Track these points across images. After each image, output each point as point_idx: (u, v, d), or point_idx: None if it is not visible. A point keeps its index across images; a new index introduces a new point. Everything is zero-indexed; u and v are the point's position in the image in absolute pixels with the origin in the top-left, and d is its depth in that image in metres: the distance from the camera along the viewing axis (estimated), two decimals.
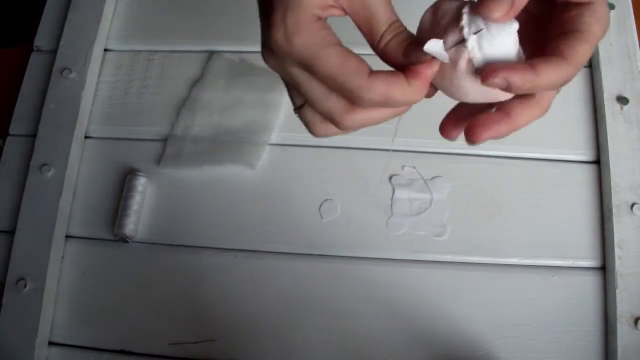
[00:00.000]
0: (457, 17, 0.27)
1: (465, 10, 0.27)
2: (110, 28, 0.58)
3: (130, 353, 0.47)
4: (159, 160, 0.52)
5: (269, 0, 0.28)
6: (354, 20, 0.28)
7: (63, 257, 0.49)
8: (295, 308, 0.47)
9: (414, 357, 0.46)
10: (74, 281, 0.49)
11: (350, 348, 0.46)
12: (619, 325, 0.44)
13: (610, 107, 0.51)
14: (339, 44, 0.28)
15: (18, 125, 0.54)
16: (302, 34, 0.27)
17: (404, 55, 0.27)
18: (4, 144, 0.53)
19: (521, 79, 0.26)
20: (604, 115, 0.51)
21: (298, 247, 0.49)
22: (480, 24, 0.26)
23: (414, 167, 0.51)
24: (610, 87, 0.51)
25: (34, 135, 0.52)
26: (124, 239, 0.49)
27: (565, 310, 0.46)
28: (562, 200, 0.49)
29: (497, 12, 0.26)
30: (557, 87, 0.28)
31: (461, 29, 0.26)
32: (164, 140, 0.53)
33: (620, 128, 0.50)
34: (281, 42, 0.28)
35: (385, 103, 0.28)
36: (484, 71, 0.26)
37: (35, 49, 0.57)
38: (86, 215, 0.51)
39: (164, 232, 0.50)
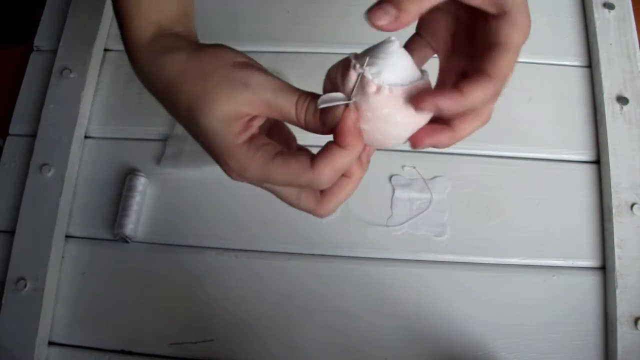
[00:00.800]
0: (347, 65, 0.28)
1: (351, 55, 0.28)
2: (110, 28, 0.58)
3: (130, 353, 0.47)
4: (159, 160, 0.52)
5: (204, 144, 0.31)
6: (274, 118, 0.31)
7: (63, 257, 0.49)
8: (296, 308, 0.47)
9: (414, 357, 0.46)
10: (74, 281, 0.49)
11: (350, 348, 0.46)
12: (619, 325, 0.44)
13: (610, 107, 0.51)
14: (275, 151, 0.30)
15: (18, 125, 0.54)
16: (248, 168, 0.30)
17: (321, 124, 0.30)
18: (4, 144, 0.53)
19: (450, 103, 0.28)
20: (604, 115, 0.51)
21: (298, 247, 0.49)
22: (366, 59, 0.28)
23: (414, 167, 0.51)
24: (610, 87, 0.51)
25: (34, 135, 0.52)
26: (124, 239, 0.49)
27: (565, 310, 0.46)
28: (562, 200, 0.49)
29: (382, 20, 0.27)
30: (485, 103, 0.30)
31: (353, 66, 0.28)
32: (164, 140, 0.53)
33: (620, 128, 0.50)
34: (238, 178, 0.31)
35: (339, 173, 0.30)
36: (415, 98, 0.28)
37: (35, 49, 0.57)
38: (86, 215, 0.51)
39: (164, 232, 0.50)
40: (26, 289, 0.47)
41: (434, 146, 0.31)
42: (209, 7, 0.58)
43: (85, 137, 0.54)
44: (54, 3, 0.59)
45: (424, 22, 0.33)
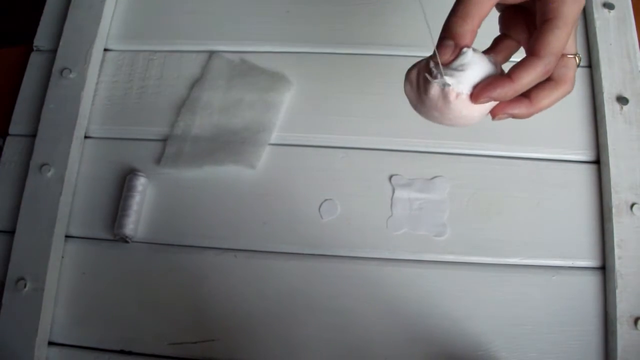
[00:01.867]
0: (428, 73, 0.33)
1: (431, 65, 0.33)
2: (110, 28, 0.58)
3: (130, 353, 0.47)
4: (159, 160, 0.52)
5: None
6: None
7: (63, 257, 0.49)
8: (296, 308, 0.47)
9: (414, 357, 0.46)
10: (74, 281, 0.49)
11: (350, 348, 0.46)
12: (619, 325, 0.44)
13: (610, 107, 0.51)
14: None
15: (18, 125, 0.54)
16: None
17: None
18: (4, 144, 0.53)
19: (501, 91, 0.31)
20: (604, 115, 0.51)
21: (298, 247, 0.49)
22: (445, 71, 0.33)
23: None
24: (610, 87, 0.51)
25: (34, 135, 0.52)
26: (124, 239, 0.49)
27: (565, 310, 0.46)
28: (562, 200, 0.49)
29: (448, 54, 0.32)
30: (537, 80, 0.32)
31: (435, 76, 0.32)
32: (164, 140, 0.53)
33: (620, 128, 0.50)
34: None
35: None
36: (472, 96, 0.32)
37: (35, 49, 0.57)
38: (86, 215, 0.51)
39: (164, 232, 0.50)
40: (26, 289, 0.47)
41: (513, 117, 0.34)
42: (209, 7, 0.58)
43: (85, 137, 0.54)
44: (54, 3, 0.59)
45: (502, 22, 0.37)
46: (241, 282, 0.48)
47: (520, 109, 0.33)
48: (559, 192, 0.50)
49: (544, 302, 0.47)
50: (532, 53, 0.31)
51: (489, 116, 0.34)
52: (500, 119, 0.34)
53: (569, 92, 0.35)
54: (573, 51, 0.34)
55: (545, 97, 0.33)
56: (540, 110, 0.34)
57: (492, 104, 0.33)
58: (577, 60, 0.34)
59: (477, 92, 0.32)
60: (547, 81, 0.33)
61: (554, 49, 0.31)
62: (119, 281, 0.49)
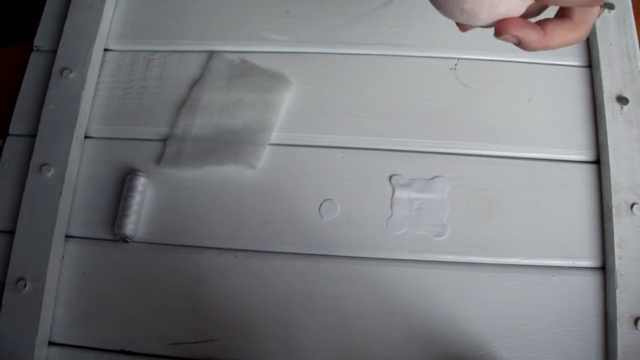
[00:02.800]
0: None
1: None
2: (110, 28, 0.58)
3: (130, 353, 0.47)
4: (159, 160, 0.52)
5: None
6: None
7: (63, 257, 0.49)
8: (295, 308, 0.47)
9: (414, 357, 0.46)
10: (74, 281, 0.49)
11: (350, 348, 0.46)
12: (619, 325, 0.44)
13: (610, 107, 0.51)
14: None
15: (18, 125, 0.54)
16: None
17: None
18: (4, 144, 0.53)
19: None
20: (604, 115, 0.51)
21: (298, 247, 0.49)
22: None
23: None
24: (610, 87, 0.51)
25: (34, 135, 0.52)
26: (124, 239, 0.49)
27: (565, 310, 0.46)
28: (562, 200, 0.49)
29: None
30: (570, 40, 0.29)
31: None
32: (164, 140, 0.53)
33: (620, 128, 0.50)
34: None
35: None
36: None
37: (35, 49, 0.57)
38: (86, 215, 0.51)
39: (164, 232, 0.50)
40: (26, 289, 0.47)
41: (520, 41, 0.30)
42: (209, 7, 0.58)
43: (85, 137, 0.54)
44: (54, 3, 0.59)
45: None
46: (241, 282, 0.48)
47: (532, 36, 0.30)
48: (559, 192, 0.50)
49: (544, 302, 0.47)
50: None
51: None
52: (505, 39, 0.30)
53: (581, 39, 0.32)
54: None
55: (559, 36, 0.31)
56: (548, 47, 0.31)
57: (512, 8, 0.29)
58: (601, 9, 0.32)
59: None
60: (567, 20, 0.31)
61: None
62: (119, 281, 0.49)
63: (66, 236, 0.50)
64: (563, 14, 0.31)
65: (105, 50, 0.57)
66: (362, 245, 0.49)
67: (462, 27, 0.34)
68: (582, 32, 0.31)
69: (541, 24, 0.30)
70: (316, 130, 0.53)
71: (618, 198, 0.48)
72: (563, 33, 0.31)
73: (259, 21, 0.57)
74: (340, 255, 0.49)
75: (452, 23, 0.33)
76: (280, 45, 0.56)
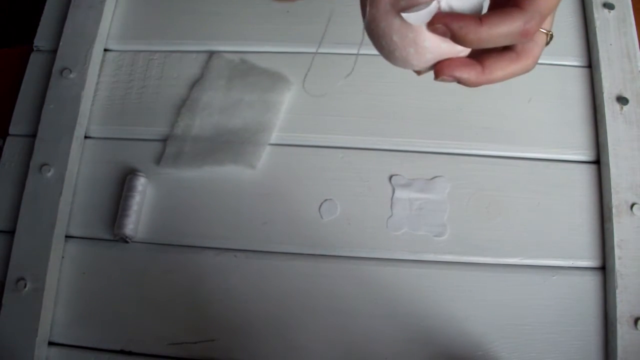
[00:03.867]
0: None
1: None
2: (110, 28, 0.58)
3: (130, 353, 0.47)
4: (159, 160, 0.52)
5: None
6: None
7: (63, 257, 0.49)
8: (295, 308, 0.47)
9: (414, 357, 0.46)
10: (74, 281, 0.49)
11: (350, 348, 0.46)
12: (618, 325, 0.44)
13: (610, 107, 0.51)
14: None
15: (18, 125, 0.54)
16: None
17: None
18: (4, 144, 0.53)
19: (461, 28, 0.26)
20: (604, 115, 0.51)
21: (298, 247, 0.49)
22: None
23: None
24: (610, 87, 0.51)
25: (34, 135, 0.52)
26: (124, 239, 0.49)
27: (565, 310, 0.46)
28: (562, 200, 0.49)
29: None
30: (510, 39, 0.27)
31: None
32: (164, 140, 0.53)
33: (620, 128, 0.50)
34: None
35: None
36: (433, 20, 0.27)
37: (35, 49, 0.57)
38: (86, 215, 0.51)
39: (164, 232, 0.50)
40: (26, 289, 0.47)
41: (459, 81, 0.29)
42: (209, 7, 0.58)
43: (85, 137, 0.54)
44: (54, 3, 0.59)
45: None
46: (241, 282, 0.48)
47: (469, 74, 0.29)
48: (559, 192, 0.50)
49: (544, 302, 0.47)
50: (515, 5, 0.26)
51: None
52: (444, 80, 0.29)
53: (528, 70, 0.31)
54: (547, 27, 0.30)
55: (500, 69, 0.29)
56: (491, 82, 0.30)
57: (442, 54, 0.29)
58: (548, 38, 0.31)
59: (438, 18, 0.27)
60: (508, 51, 0.29)
61: (541, 6, 0.26)
62: (119, 281, 0.49)
63: (66, 236, 0.50)
64: (505, 46, 0.30)
65: (105, 50, 0.57)
66: (362, 245, 0.49)
67: (417, 72, 0.34)
68: (527, 62, 0.30)
69: (481, 59, 0.29)
70: (316, 130, 0.53)
71: (618, 198, 0.48)
72: (505, 66, 0.29)
73: (259, 21, 0.57)
74: (340, 255, 0.49)
75: None
76: (280, 46, 0.56)
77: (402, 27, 0.28)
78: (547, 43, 0.31)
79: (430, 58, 0.29)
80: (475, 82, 0.29)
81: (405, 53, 0.29)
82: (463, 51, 0.29)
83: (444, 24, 0.26)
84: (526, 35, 0.27)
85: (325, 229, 0.49)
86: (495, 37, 0.26)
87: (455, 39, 0.27)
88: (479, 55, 0.29)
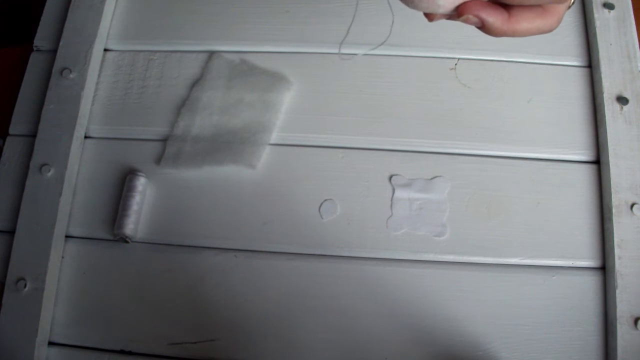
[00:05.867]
0: None
1: None
2: (110, 28, 0.58)
3: (130, 353, 0.47)
4: (159, 160, 0.52)
5: None
6: None
7: (63, 257, 0.49)
8: (295, 308, 0.47)
9: (414, 357, 0.46)
10: (74, 281, 0.49)
11: (350, 348, 0.46)
12: (618, 325, 0.44)
13: (610, 107, 0.51)
14: None
15: (18, 125, 0.54)
16: None
17: None
18: (4, 144, 0.53)
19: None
20: (604, 115, 0.51)
21: (298, 247, 0.49)
22: None
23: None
24: (610, 87, 0.51)
25: (34, 135, 0.52)
26: (124, 239, 0.49)
27: (565, 310, 0.46)
28: (562, 200, 0.49)
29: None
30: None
31: None
32: (164, 140, 0.53)
33: (620, 128, 0.50)
34: None
35: None
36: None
37: (35, 49, 0.57)
38: (86, 215, 0.51)
39: (164, 232, 0.50)
40: (26, 289, 0.47)
41: (482, 23, 0.29)
42: (209, 7, 0.58)
43: (85, 137, 0.54)
44: (54, 3, 0.59)
45: None
46: (241, 282, 0.48)
47: (495, 18, 0.28)
48: (559, 192, 0.50)
49: (543, 302, 0.47)
50: None
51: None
52: (466, 20, 0.29)
53: (551, 29, 0.30)
54: None
55: (526, 20, 0.29)
56: (514, 33, 0.29)
57: None
58: (571, 2, 0.31)
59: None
60: (536, 6, 0.29)
61: None
62: (119, 281, 0.49)
63: (66, 236, 0.50)
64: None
65: (105, 50, 0.57)
66: (362, 245, 0.49)
67: (429, 16, 0.33)
68: (551, 20, 0.29)
69: (508, 8, 0.29)
70: (316, 130, 0.53)
71: (618, 198, 0.48)
72: (531, 17, 0.29)
73: (259, 21, 0.57)
74: (340, 255, 0.49)
75: (452, 23, 0.33)
76: (280, 46, 0.56)
77: None
78: (571, 5, 0.31)
79: (446, 3, 0.28)
80: (499, 29, 0.29)
81: None
82: None
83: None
84: None
85: (325, 229, 0.49)
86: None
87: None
88: (508, 5, 0.29)
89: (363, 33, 0.56)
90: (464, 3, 0.28)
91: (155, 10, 0.58)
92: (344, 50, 0.55)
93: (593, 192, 0.50)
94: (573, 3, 0.31)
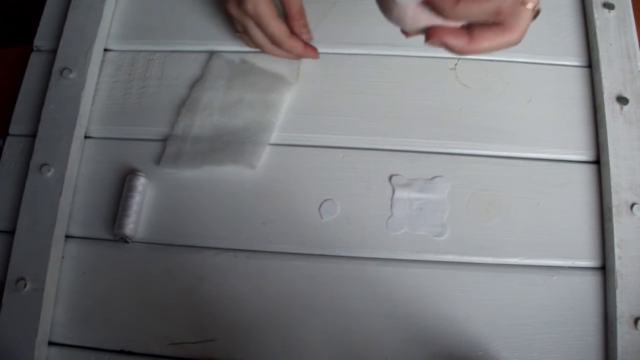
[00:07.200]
0: None
1: None
2: (110, 28, 0.58)
3: (130, 353, 0.47)
4: (159, 160, 0.52)
5: None
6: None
7: (63, 257, 0.49)
8: (296, 308, 0.47)
9: (414, 357, 0.46)
10: (74, 281, 0.49)
11: (351, 348, 0.46)
12: (618, 325, 0.44)
13: (610, 107, 0.51)
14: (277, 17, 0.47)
15: (18, 125, 0.54)
16: (261, 6, 0.46)
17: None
18: (4, 144, 0.53)
19: (441, 1, 0.29)
20: (604, 115, 0.51)
21: (298, 247, 0.49)
22: None
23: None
24: (610, 87, 0.51)
25: (34, 135, 0.52)
26: (124, 239, 0.49)
27: (565, 310, 0.46)
28: (562, 200, 0.49)
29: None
30: (486, 16, 0.30)
31: None
32: (164, 140, 0.53)
33: (620, 128, 0.50)
34: (233, 9, 0.48)
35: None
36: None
37: (35, 49, 0.57)
38: (86, 215, 0.51)
39: (164, 232, 0.50)
40: (26, 289, 0.47)
41: (446, 46, 0.32)
42: (209, 7, 0.58)
43: (85, 137, 0.54)
44: (54, 3, 0.59)
45: None
46: (241, 282, 0.48)
47: (457, 41, 0.31)
48: (559, 192, 0.50)
49: (544, 302, 0.47)
50: None
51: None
52: (432, 44, 0.32)
53: (515, 43, 0.32)
54: (534, 2, 0.32)
55: (487, 39, 0.31)
56: (478, 51, 0.32)
57: (435, 22, 0.31)
58: (534, 13, 0.32)
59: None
60: (495, 25, 0.31)
61: None
62: (119, 281, 0.49)
63: (66, 236, 0.50)
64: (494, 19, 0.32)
65: (105, 50, 0.57)
66: (362, 245, 0.49)
67: (406, 33, 0.36)
68: (513, 36, 0.31)
69: (470, 29, 0.31)
70: (316, 130, 0.53)
71: (618, 198, 0.48)
72: (490, 37, 0.31)
73: None
74: (340, 255, 0.49)
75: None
76: None
77: None
78: (534, 17, 0.32)
79: (424, 24, 0.31)
80: (462, 50, 0.32)
81: (403, 14, 0.32)
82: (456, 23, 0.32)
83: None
84: (499, 15, 0.30)
85: (325, 229, 0.49)
86: (470, 13, 0.29)
87: (436, 11, 0.30)
88: (470, 27, 0.31)
89: (365, 32, 0.56)
90: (430, 29, 0.32)
91: (155, 10, 0.58)
92: (343, 50, 0.55)
93: (593, 192, 0.50)
94: (537, 14, 0.33)
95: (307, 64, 0.55)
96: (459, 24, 0.32)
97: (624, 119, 0.50)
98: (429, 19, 0.31)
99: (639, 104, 0.51)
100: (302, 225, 0.49)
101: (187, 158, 0.51)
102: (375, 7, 0.55)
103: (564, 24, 0.56)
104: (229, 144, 0.51)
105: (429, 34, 0.32)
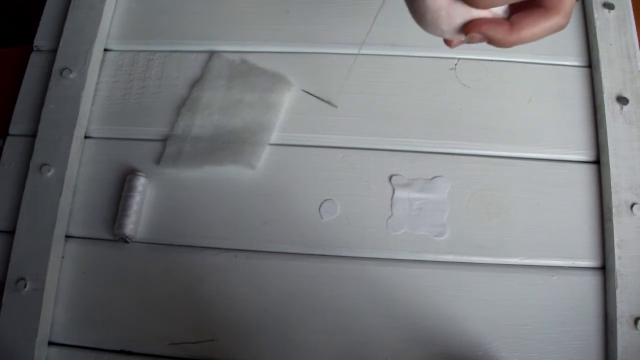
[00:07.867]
0: None
1: None
2: (110, 28, 0.58)
3: (130, 353, 0.47)
4: (159, 160, 0.52)
5: None
6: None
7: (63, 257, 0.49)
8: (296, 308, 0.47)
9: (414, 357, 0.46)
10: (74, 281, 0.49)
11: (351, 348, 0.46)
12: (618, 325, 0.44)
13: (610, 107, 0.51)
14: None
15: (18, 125, 0.54)
16: None
17: None
18: (4, 144, 0.53)
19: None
20: (603, 115, 0.51)
21: (298, 247, 0.49)
22: None
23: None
24: (610, 87, 0.51)
25: (34, 135, 0.52)
26: (124, 239, 0.49)
27: (565, 310, 0.46)
28: (562, 200, 0.49)
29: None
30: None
31: None
32: (164, 140, 0.53)
33: (620, 128, 0.50)
34: None
35: None
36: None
37: (35, 49, 0.57)
38: (86, 215, 0.51)
39: (164, 232, 0.50)
40: (26, 289, 0.47)
41: (488, 40, 0.30)
42: (209, 7, 0.58)
43: (85, 137, 0.54)
44: (54, 3, 0.59)
45: None
46: (241, 282, 0.48)
47: (497, 31, 0.29)
48: (559, 192, 0.50)
49: (544, 302, 0.47)
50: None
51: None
52: (472, 38, 0.30)
53: (560, 27, 0.30)
54: None
55: (529, 26, 0.29)
56: (521, 41, 0.30)
57: (468, 14, 0.30)
58: None
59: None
60: (536, 7, 0.29)
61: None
62: (119, 281, 0.49)
63: (66, 236, 0.50)
64: (535, 3, 0.30)
65: (105, 50, 0.57)
66: (362, 245, 0.49)
67: (447, 42, 0.35)
68: (557, 19, 0.29)
69: (510, 18, 0.29)
70: (316, 130, 0.53)
71: (618, 198, 0.48)
72: (533, 22, 0.29)
73: (259, 21, 0.57)
74: (340, 255, 0.49)
75: None
76: (280, 46, 0.56)
77: None
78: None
79: (460, 22, 0.30)
80: (505, 41, 0.29)
81: (436, 16, 0.30)
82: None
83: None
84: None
85: (325, 229, 0.49)
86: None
87: (468, 2, 0.28)
88: (510, 16, 0.29)
89: (365, 33, 0.56)
90: (468, 23, 0.30)
91: (155, 10, 0.58)
92: (343, 50, 0.55)
93: (593, 192, 0.50)
94: None
95: (307, 63, 0.55)
96: (497, 13, 0.30)
97: (624, 119, 0.50)
98: (464, 13, 0.30)
99: (639, 104, 0.51)
100: (302, 225, 0.49)
101: (187, 158, 0.51)
102: (373, 7, 0.55)
103: None
104: (229, 144, 0.51)
105: (467, 28, 0.30)
